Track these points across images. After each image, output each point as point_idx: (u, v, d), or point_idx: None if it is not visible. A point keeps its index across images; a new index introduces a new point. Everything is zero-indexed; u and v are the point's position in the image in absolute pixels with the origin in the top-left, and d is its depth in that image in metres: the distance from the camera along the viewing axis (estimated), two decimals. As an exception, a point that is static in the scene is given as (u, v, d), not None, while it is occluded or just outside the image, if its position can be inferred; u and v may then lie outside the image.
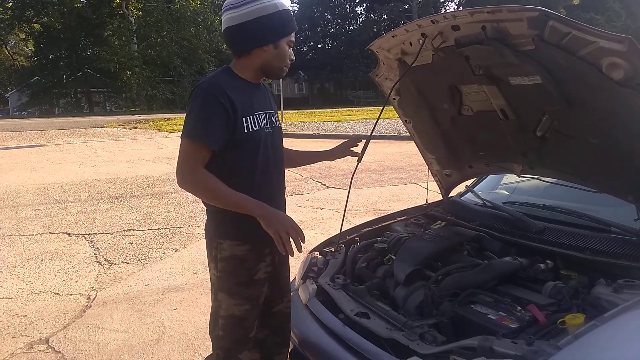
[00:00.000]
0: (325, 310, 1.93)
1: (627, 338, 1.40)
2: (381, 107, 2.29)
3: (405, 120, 2.56)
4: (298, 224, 1.67)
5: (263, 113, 1.81)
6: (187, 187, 1.72)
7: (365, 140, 2.18)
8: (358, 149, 2.19)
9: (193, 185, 1.71)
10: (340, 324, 1.81)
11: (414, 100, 2.37)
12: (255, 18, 1.71)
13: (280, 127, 1.95)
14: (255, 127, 1.75)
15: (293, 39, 1.82)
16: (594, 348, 1.35)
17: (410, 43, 2.05)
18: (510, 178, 2.73)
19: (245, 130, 1.72)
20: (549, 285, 1.75)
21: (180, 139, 1.74)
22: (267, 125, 1.82)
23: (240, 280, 1.78)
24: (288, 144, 2.03)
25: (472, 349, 1.45)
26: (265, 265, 1.82)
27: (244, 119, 1.71)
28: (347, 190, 2.20)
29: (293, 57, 1.84)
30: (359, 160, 2.13)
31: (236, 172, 1.74)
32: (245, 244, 1.77)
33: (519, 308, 1.66)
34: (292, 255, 1.70)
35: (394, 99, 2.43)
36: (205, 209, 1.85)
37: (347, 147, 2.21)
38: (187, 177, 1.69)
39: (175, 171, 1.73)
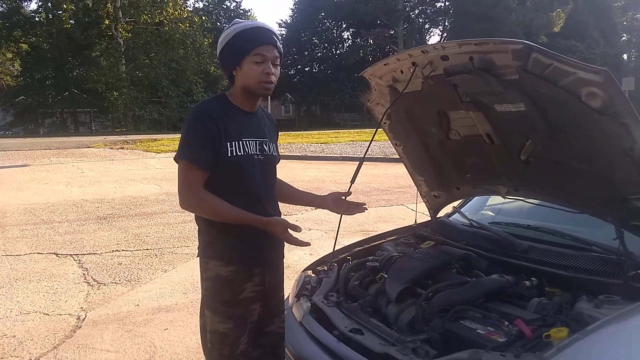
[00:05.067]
0: (320, 327, 1.98)
1: (608, 350, 1.48)
2: (373, 130, 2.38)
3: (396, 144, 2.65)
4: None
5: (253, 140, 1.84)
6: (189, 209, 1.82)
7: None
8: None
9: (193, 207, 1.81)
10: (335, 340, 1.86)
11: (404, 124, 2.46)
12: (222, 47, 1.83)
13: (275, 156, 1.97)
14: (240, 152, 1.79)
15: (263, 53, 1.77)
16: (577, 359, 1.43)
17: (401, 71, 2.15)
18: (495, 199, 2.81)
19: (229, 155, 1.77)
20: (534, 301, 1.83)
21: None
22: (256, 152, 1.85)
23: (224, 300, 1.81)
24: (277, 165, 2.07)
25: (463, 362, 1.52)
26: (253, 284, 1.85)
27: (228, 143, 1.77)
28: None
29: (269, 70, 1.78)
30: (351, 182, 2.20)
31: (222, 196, 1.77)
32: (230, 265, 1.81)
33: (507, 323, 1.73)
34: (307, 245, 1.79)
35: (385, 123, 2.52)
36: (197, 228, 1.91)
37: (337, 198, 2.14)
38: (186, 199, 1.79)
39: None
